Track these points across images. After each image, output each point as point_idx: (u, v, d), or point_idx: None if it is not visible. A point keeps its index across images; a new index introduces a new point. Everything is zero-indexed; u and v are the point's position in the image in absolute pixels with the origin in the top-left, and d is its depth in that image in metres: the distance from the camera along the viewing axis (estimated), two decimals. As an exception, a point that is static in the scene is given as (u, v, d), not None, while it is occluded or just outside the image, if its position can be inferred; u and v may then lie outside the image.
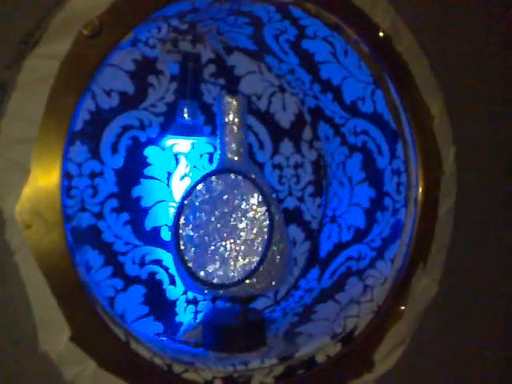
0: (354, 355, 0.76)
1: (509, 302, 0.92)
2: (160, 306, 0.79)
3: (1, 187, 0.55)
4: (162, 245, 0.79)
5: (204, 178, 0.73)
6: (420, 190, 0.78)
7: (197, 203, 0.73)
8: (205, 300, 0.83)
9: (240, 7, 0.72)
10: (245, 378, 0.69)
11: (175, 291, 0.80)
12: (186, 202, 0.73)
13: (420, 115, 0.78)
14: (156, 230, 0.79)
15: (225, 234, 0.72)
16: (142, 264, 0.78)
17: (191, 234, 0.72)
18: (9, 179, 0.56)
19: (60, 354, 0.58)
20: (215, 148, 0.82)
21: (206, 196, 0.73)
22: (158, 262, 0.79)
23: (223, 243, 0.72)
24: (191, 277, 0.71)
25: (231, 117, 0.74)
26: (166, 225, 0.80)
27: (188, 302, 0.82)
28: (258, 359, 0.71)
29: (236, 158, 0.74)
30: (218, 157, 0.75)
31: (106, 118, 0.75)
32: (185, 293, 0.81)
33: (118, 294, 0.76)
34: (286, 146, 0.90)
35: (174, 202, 0.80)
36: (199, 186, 0.73)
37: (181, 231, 0.72)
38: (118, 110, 0.76)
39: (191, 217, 0.72)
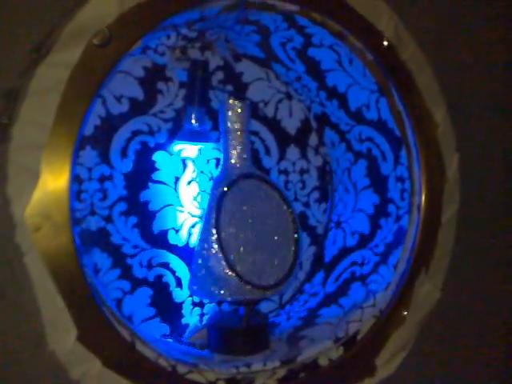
0: (356, 359, 0.76)
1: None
2: (166, 307, 0.80)
3: (11, 191, 0.57)
4: (169, 248, 0.80)
5: (229, 186, 0.74)
6: (423, 196, 0.79)
7: (226, 214, 0.73)
8: (211, 303, 0.84)
9: (247, 16, 0.74)
10: (247, 380, 0.70)
11: (181, 293, 0.81)
12: (216, 214, 0.73)
13: (424, 122, 0.79)
14: (163, 234, 0.80)
15: (256, 241, 0.74)
16: (150, 266, 0.79)
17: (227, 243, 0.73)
18: (19, 183, 0.57)
19: (67, 353, 0.59)
20: (222, 153, 0.83)
21: (234, 206, 0.74)
22: (165, 265, 0.80)
23: (257, 250, 0.74)
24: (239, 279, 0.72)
25: (234, 122, 0.75)
26: (174, 228, 0.81)
27: (194, 304, 0.83)
28: (260, 362, 0.71)
29: (240, 164, 0.75)
30: (222, 162, 0.76)
31: (116, 123, 0.76)
32: (191, 295, 0.82)
33: (126, 295, 0.77)
34: (293, 151, 0.91)
35: (181, 206, 0.81)
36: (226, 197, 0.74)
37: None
38: (127, 116, 0.77)
39: (223, 228, 0.73)
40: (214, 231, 0.72)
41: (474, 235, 0.86)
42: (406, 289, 0.78)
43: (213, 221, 0.72)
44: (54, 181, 0.58)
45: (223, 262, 0.71)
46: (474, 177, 0.85)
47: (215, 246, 0.72)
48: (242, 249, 0.73)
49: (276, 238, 0.75)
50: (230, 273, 0.71)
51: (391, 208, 0.83)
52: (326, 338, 0.76)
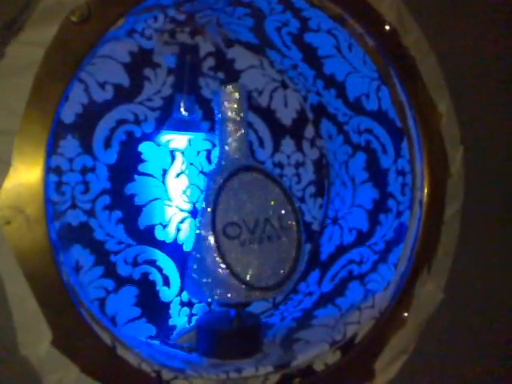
0: (354, 364, 0.73)
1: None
2: (153, 308, 0.77)
3: (-21, 181, 0.53)
4: (156, 244, 0.77)
5: (227, 179, 0.71)
6: (425, 191, 0.75)
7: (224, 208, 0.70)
8: (200, 302, 0.81)
9: (239, -4, 0.70)
10: (238, 387, 0.67)
11: (169, 293, 0.78)
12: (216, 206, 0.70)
13: (427, 113, 0.76)
14: (150, 229, 0.77)
15: (255, 237, 0.71)
16: (135, 264, 0.76)
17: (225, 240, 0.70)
18: (-12, 173, 0.53)
19: (41, 359, 0.55)
20: (213, 145, 0.80)
21: (232, 200, 0.71)
22: (152, 262, 0.77)
23: (255, 246, 0.71)
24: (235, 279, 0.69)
25: (232, 109, 0.71)
26: (161, 223, 0.77)
27: (182, 304, 0.79)
28: (252, 367, 0.68)
29: (237, 155, 0.71)
30: (218, 154, 0.72)
31: (100, 111, 0.73)
32: (179, 294, 0.79)
33: (109, 295, 0.74)
34: (287, 143, 0.88)
35: (169, 199, 0.78)
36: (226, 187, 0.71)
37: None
38: (112, 104, 0.73)
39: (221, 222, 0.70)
40: (210, 228, 0.68)
41: (478, 232, 0.84)
42: (407, 289, 0.75)
43: (209, 216, 0.69)
44: (27, 171, 0.54)
45: (220, 263, 0.68)
46: (479, 171, 0.83)
47: (212, 245, 0.68)
48: (240, 248, 0.70)
49: (277, 236, 0.72)
50: (227, 274, 0.68)
51: (391, 203, 0.80)
52: (321, 341, 0.73)
